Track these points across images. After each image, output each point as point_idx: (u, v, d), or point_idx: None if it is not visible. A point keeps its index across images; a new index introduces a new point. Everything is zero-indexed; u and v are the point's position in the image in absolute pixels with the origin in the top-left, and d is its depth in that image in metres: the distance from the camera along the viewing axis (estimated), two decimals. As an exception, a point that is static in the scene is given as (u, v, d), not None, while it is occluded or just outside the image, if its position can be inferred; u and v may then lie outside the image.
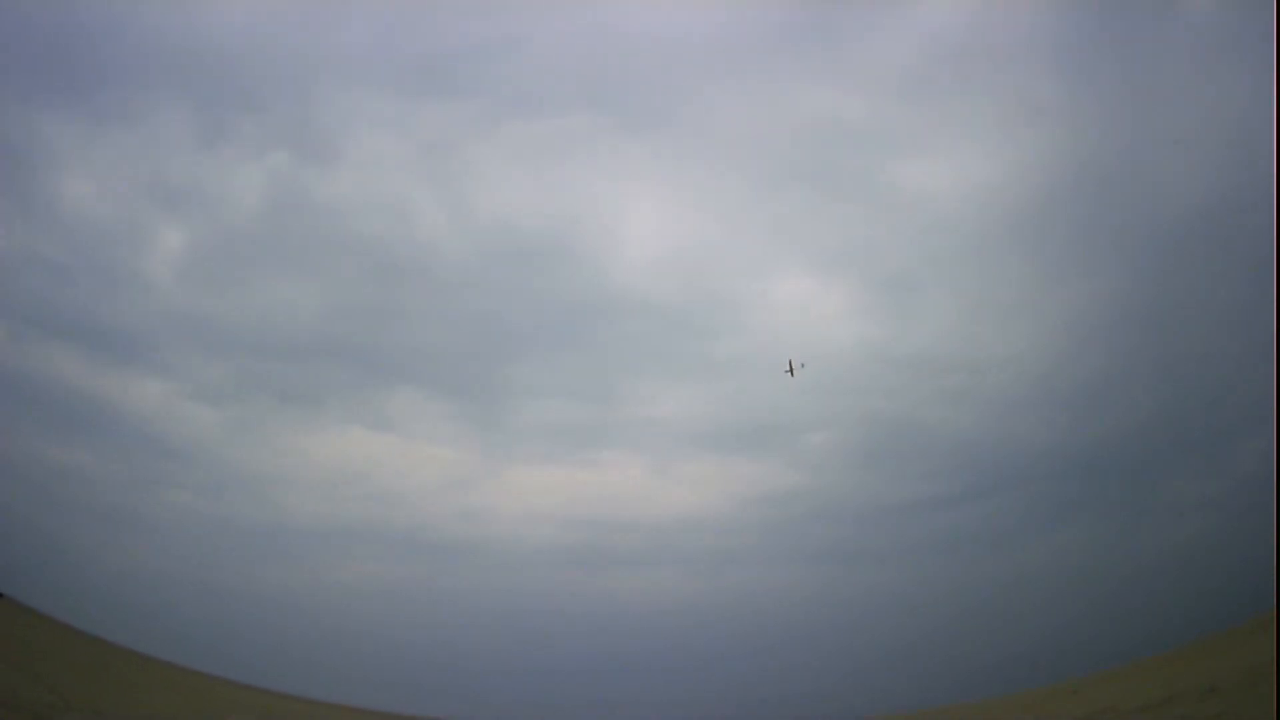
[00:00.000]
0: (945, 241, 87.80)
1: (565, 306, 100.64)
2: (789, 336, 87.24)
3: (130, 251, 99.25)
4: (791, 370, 62.44)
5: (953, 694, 52.13)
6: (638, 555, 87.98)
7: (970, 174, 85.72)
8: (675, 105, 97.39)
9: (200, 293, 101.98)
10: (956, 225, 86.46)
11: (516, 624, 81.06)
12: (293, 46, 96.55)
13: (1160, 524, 69.49)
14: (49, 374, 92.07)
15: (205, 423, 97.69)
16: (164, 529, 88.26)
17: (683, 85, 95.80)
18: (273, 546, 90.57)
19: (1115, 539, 70.25)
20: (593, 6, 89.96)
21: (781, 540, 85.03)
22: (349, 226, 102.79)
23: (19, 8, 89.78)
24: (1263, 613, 30.48)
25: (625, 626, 77.91)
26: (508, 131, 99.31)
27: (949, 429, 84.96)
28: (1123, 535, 70.40)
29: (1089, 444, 77.41)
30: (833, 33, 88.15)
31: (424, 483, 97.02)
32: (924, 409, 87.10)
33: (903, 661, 68.82)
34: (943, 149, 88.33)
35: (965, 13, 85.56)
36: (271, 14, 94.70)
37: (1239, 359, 66.72)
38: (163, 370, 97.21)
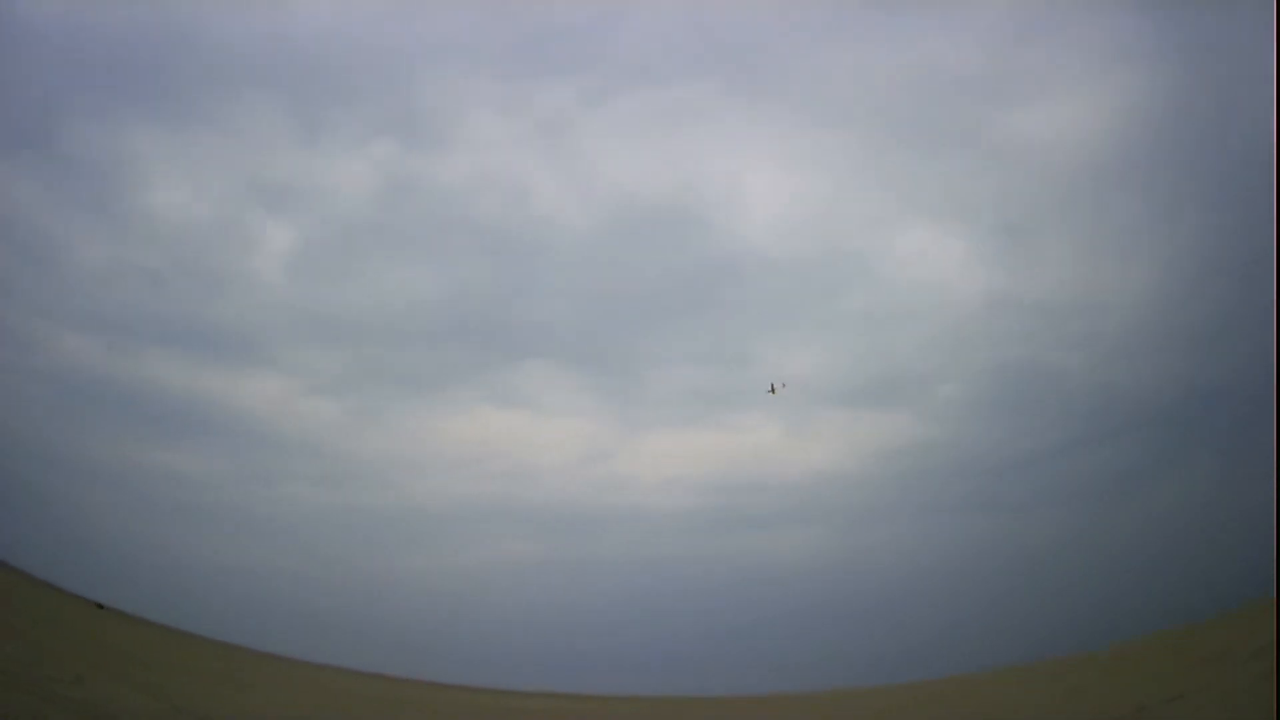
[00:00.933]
0: (1058, 187, 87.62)
1: (691, 271, 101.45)
2: (911, 288, 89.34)
3: (235, 253, 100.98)
4: (773, 390, 65.23)
5: (1087, 641, 49.66)
6: (776, 515, 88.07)
7: (1077, 118, 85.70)
8: (785, 65, 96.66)
9: (313, 286, 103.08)
10: (1068, 170, 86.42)
11: (659, 592, 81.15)
12: (386, 36, 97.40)
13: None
14: (154, 381, 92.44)
15: (325, 415, 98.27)
16: (284, 525, 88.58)
17: (791, 45, 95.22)
18: (403, 533, 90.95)
19: (1234, 484, 65.80)
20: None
21: (916, 494, 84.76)
22: (465, 208, 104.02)
23: (93, 19, 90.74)
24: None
25: (769, 588, 78.06)
26: (620, 104, 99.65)
27: (1074, 374, 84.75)
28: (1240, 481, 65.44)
29: (1212, 386, 74.73)
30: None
31: (559, 457, 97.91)
32: (1048, 355, 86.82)
33: (1040, 610, 67.78)
34: (1049, 95, 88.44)
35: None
36: (361, 6, 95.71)
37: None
38: (278, 367, 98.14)
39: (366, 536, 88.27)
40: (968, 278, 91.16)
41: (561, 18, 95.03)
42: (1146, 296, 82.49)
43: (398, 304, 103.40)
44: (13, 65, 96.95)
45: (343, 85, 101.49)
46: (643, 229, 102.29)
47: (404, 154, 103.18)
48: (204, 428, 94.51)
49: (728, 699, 58.65)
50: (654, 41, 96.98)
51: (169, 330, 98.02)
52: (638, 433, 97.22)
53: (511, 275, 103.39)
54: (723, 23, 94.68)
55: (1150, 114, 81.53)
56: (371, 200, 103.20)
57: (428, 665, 63.78)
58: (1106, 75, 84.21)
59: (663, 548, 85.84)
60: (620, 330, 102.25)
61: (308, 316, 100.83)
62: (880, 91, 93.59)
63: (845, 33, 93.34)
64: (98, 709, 23.63)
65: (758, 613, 74.75)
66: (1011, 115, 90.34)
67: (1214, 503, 67.83)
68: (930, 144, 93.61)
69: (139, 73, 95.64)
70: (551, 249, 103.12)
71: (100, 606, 64.72)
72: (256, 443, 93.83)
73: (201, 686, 36.76)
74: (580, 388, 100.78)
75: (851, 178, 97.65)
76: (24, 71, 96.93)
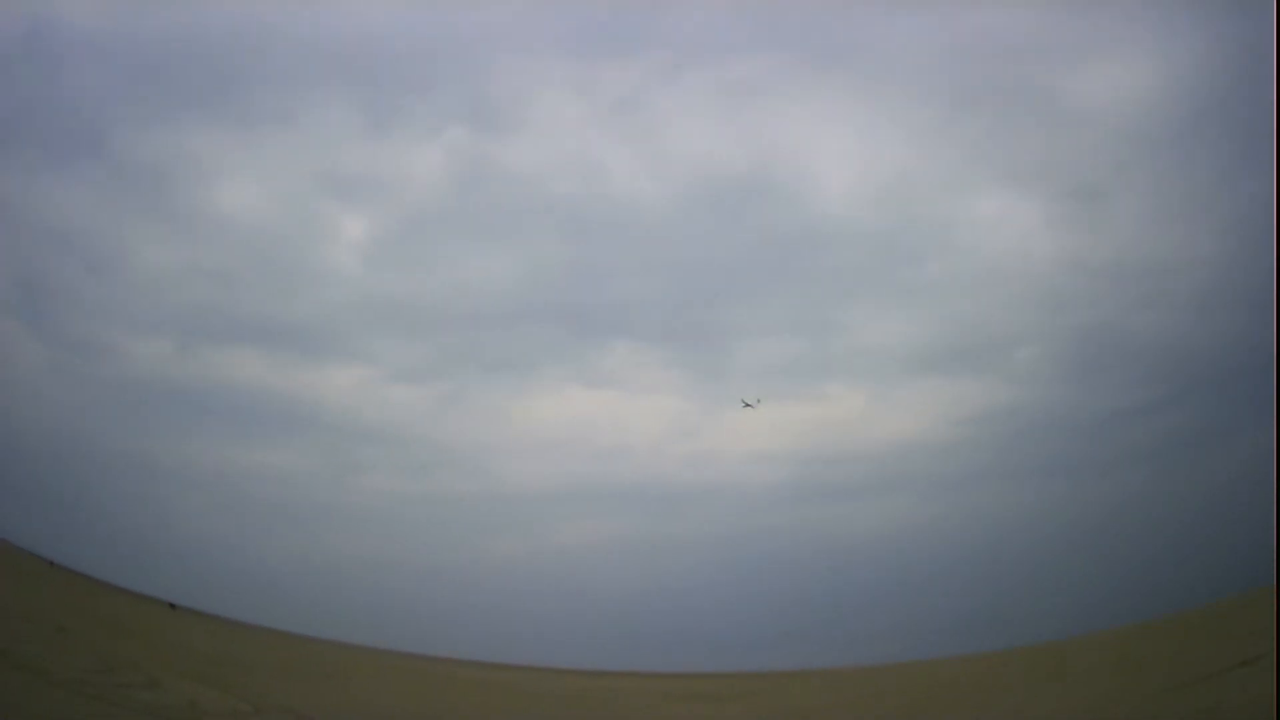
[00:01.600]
0: (1126, 147, 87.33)
1: (772, 243, 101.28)
2: (987, 254, 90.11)
3: (310, 247, 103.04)
4: (748, 404, 66.52)
5: (1177, 601, 47.02)
6: (861, 485, 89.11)
7: (1146, 80, 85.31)
8: (854, 34, 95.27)
9: (390, 275, 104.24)
10: (1135, 130, 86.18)
11: (748, 566, 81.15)
12: (454, 24, 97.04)
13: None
14: (233, 380, 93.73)
15: (410, 403, 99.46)
16: (371, 516, 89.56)
17: (860, 13, 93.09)
18: (493, 518, 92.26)
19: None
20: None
21: (999, 458, 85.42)
22: (541, 190, 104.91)
23: (143, 24, 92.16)
24: None
25: (855, 558, 78.54)
26: (690, 79, 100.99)
27: (1149, 334, 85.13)
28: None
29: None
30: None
31: (646, 434, 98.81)
32: (1123, 316, 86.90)
33: (1125, 572, 67.10)
34: (1117, 57, 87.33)
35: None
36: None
37: None
38: (359, 357, 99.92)
39: (456, 523, 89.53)
40: (1041, 241, 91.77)
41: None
42: (1216, 255, 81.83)
43: (478, 289, 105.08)
44: (64, 74, 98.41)
45: (412, 75, 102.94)
46: (720, 203, 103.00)
47: (477, 140, 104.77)
48: (287, 423, 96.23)
49: (817, 671, 56.47)
50: (721, 16, 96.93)
51: (246, 328, 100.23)
52: (724, 407, 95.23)
53: (591, 255, 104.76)
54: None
55: (1219, 73, 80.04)
56: (446, 187, 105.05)
57: (518, 649, 63.81)
58: (1176, 35, 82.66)
59: (751, 521, 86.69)
60: (703, 305, 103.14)
61: (387, 305, 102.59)
62: (949, 58, 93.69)
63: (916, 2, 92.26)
64: (175, 712, 22.05)
65: (844, 583, 75.36)
66: (1079, 78, 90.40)
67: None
68: (1000, 109, 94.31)
69: (196, 75, 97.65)
70: (630, 227, 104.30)
71: (173, 607, 64.09)
72: (341, 435, 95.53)
73: (286, 682, 35.28)
74: (666, 364, 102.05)
75: (924, 145, 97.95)
76: (75, 80, 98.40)
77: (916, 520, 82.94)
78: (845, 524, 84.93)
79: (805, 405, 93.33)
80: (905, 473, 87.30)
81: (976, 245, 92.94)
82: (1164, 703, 22.91)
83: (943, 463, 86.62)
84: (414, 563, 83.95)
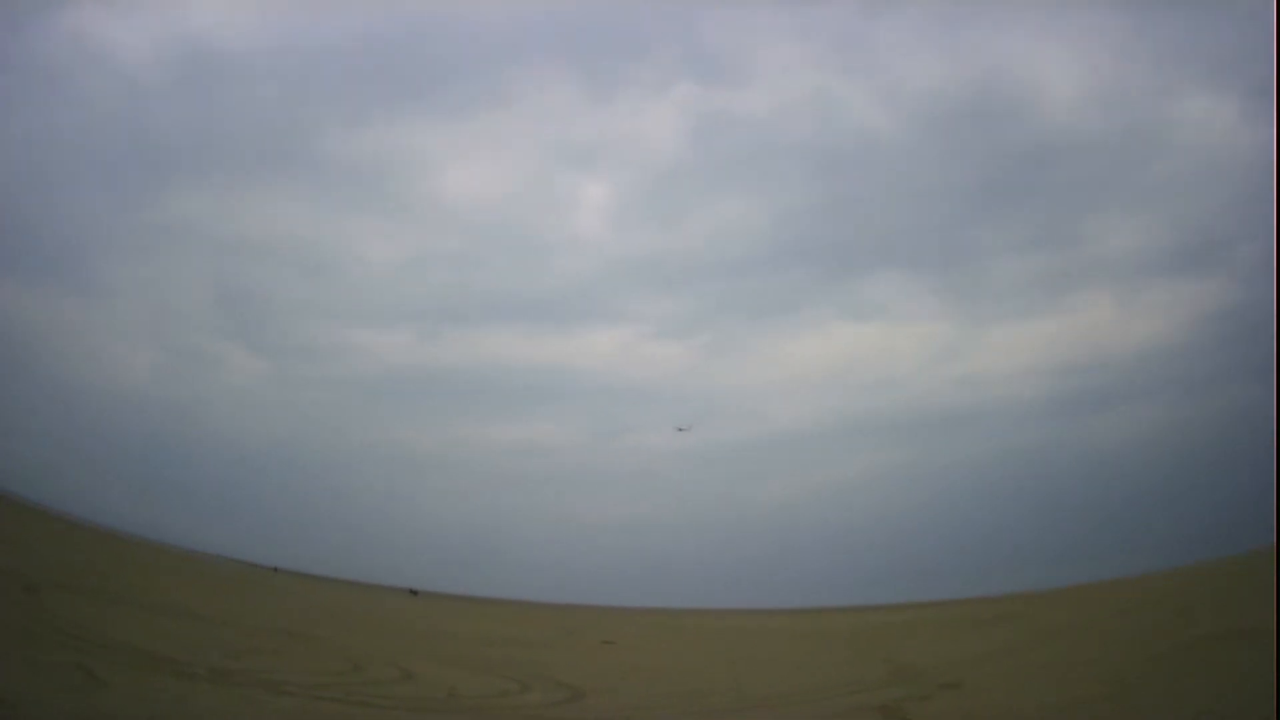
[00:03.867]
0: None
1: (1006, 161, 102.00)
2: (1200, 152, 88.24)
3: (553, 218, 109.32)
4: (682, 429, 68.62)
5: None
6: (1117, 393, 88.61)
7: None
8: None
9: (640, 235, 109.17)
10: None
11: (1017, 485, 79.99)
12: None
13: None
14: (481, 359, 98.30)
15: (673, 358, 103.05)
16: (640, 476, 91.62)
17: None
18: (763, 463, 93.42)
19: None
20: None
21: (1241, 357, 77.51)
22: (778, 133, 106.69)
23: (335, 34, 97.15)
24: None
25: (1118, 467, 77.05)
26: (907, 9, 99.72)
27: None
28: None
29: None
30: None
31: (913, 361, 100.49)
32: None
33: None
34: None
35: None
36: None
37: None
38: (617, 319, 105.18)
39: (727, 472, 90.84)
40: (1249, 134, 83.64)
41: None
42: None
43: (730, 237, 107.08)
44: (251, 91, 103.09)
45: (629, 39, 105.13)
46: (952, 126, 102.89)
47: (706, 93, 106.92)
48: (548, 394, 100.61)
49: (1083, 587, 50.97)
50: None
51: (494, 307, 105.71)
52: (982, 327, 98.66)
53: (837, 190, 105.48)
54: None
55: None
56: (683, 142, 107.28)
57: (792, 593, 62.96)
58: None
59: (1018, 439, 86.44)
60: (954, 226, 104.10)
61: (639, 265, 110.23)
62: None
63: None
64: (434, 703, 19.36)
65: (1107, 495, 73.09)
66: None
67: None
68: (1201, 7, 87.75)
69: (400, 73, 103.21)
70: (870, 159, 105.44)
71: (414, 593, 64.00)
72: (606, 398, 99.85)
73: (550, 654, 32.40)
74: (924, 290, 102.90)
75: (1129, 51, 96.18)
76: (264, 95, 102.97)
77: (1171, 425, 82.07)
78: (1103, 435, 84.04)
79: (1058, 318, 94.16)
80: (1156, 378, 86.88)
81: (1191, 145, 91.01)
82: None
83: (1190, 365, 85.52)
84: (684, 518, 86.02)
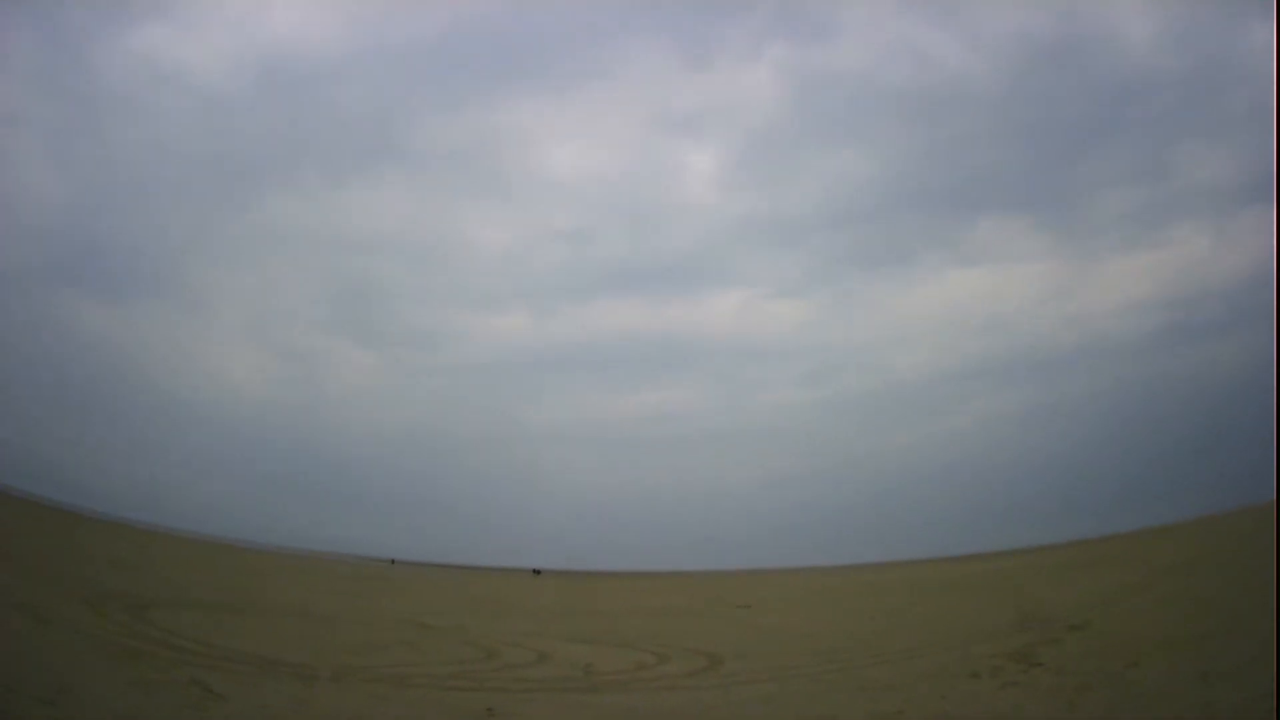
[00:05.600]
0: None
1: (1097, 96, 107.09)
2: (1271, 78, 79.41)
3: (662, 187, 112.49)
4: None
5: None
6: (1223, 323, 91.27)
7: None
8: None
9: (750, 197, 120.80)
10: None
11: (1133, 419, 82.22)
12: None
13: None
14: (601, 332, 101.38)
15: (795, 315, 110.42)
16: (769, 434, 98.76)
17: None
18: (890, 412, 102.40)
19: None
20: None
21: None
22: (876, 84, 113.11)
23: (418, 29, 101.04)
24: None
25: (1234, 396, 72.51)
26: None
27: None
28: None
29: None
30: None
31: (1023, 303, 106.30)
32: None
33: None
34: None
35: None
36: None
37: None
38: (735, 281, 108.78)
39: (853, 424, 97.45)
40: None
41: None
42: None
43: (838, 191, 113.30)
44: (350, 85, 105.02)
45: (714, 7, 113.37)
46: (1041, 67, 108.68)
47: (800, 52, 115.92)
48: (671, 360, 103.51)
49: (1190, 523, 48.70)
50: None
51: (610, 279, 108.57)
52: (1087, 264, 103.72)
53: (938, 136, 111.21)
54: None
55: None
56: (783, 101, 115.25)
57: (926, 542, 63.82)
58: None
59: (1127, 374, 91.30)
60: (1048, 166, 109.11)
61: (753, 226, 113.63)
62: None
63: None
64: (570, 682, 18.70)
65: (1221, 425, 70.82)
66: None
67: None
68: None
69: (494, 58, 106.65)
70: (967, 103, 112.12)
71: (537, 573, 64.08)
72: (731, 359, 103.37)
73: (688, 623, 32.25)
74: (1028, 230, 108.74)
75: None
76: (363, 88, 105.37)
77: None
78: (1210, 367, 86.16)
79: (1157, 251, 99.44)
80: (1261, 306, 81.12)
81: (1264, 71, 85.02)
82: None
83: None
84: (815, 474, 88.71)
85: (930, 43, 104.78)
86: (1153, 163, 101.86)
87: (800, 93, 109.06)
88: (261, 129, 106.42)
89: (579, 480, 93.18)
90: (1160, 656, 14.56)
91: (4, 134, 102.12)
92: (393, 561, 67.20)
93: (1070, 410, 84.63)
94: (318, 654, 19.90)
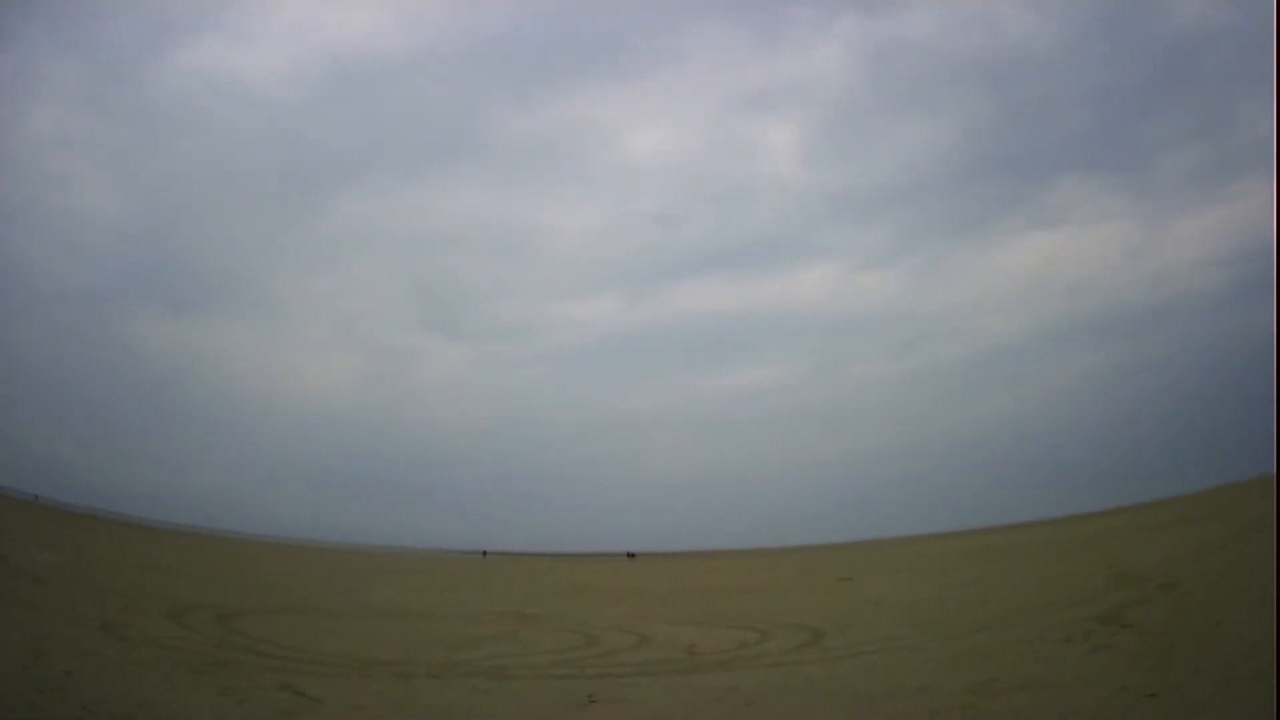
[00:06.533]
0: None
1: (1160, 53, 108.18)
2: None
3: (743, 165, 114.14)
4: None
5: None
6: None
7: None
8: None
9: (832, 170, 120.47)
10: None
11: (1213, 375, 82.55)
12: None
13: None
14: (692, 312, 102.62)
15: (883, 286, 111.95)
16: (860, 405, 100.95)
17: None
18: (980, 378, 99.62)
19: None
20: None
21: None
22: (944, 54, 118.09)
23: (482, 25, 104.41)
24: None
25: None
26: None
27: None
28: None
29: None
30: None
31: (1101, 262, 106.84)
32: None
33: None
34: None
35: None
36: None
37: None
38: (822, 255, 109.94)
39: (943, 392, 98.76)
40: None
41: None
42: None
43: (919, 160, 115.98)
44: (420, 83, 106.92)
45: None
46: (1101, 26, 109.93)
47: (869, 23, 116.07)
48: (762, 336, 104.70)
49: None
50: None
51: (698, 258, 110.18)
52: (1161, 222, 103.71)
53: (1011, 101, 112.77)
54: None
55: None
56: (856, 73, 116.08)
57: (1019, 507, 65.98)
58: None
59: (1206, 329, 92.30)
60: (1119, 125, 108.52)
61: (836, 199, 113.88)
62: None
63: None
64: (672, 664, 18.35)
65: None
66: None
67: None
68: None
69: (575, 45, 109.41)
70: (1034, 67, 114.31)
71: (631, 556, 63.81)
72: (821, 333, 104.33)
73: (789, 600, 32.04)
74: (1106, 191, 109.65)
75: None
76: (434, 86, 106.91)
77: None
78: None
79: (1227, 205, 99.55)
80: None
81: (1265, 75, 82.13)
82: None
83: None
84: (909, 443, 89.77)
85: (995, 9, 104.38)
86: (1217, 117, 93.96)
87: (872, 65, 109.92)
88: (330, 133, 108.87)
89: (672, 462, 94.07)
90: (1247, 614, 14.02)
91: (61, 159, 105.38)
92: (484, 554, 67.37)
93: (1153, 368, 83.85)
94: (414, 651, 19.69)
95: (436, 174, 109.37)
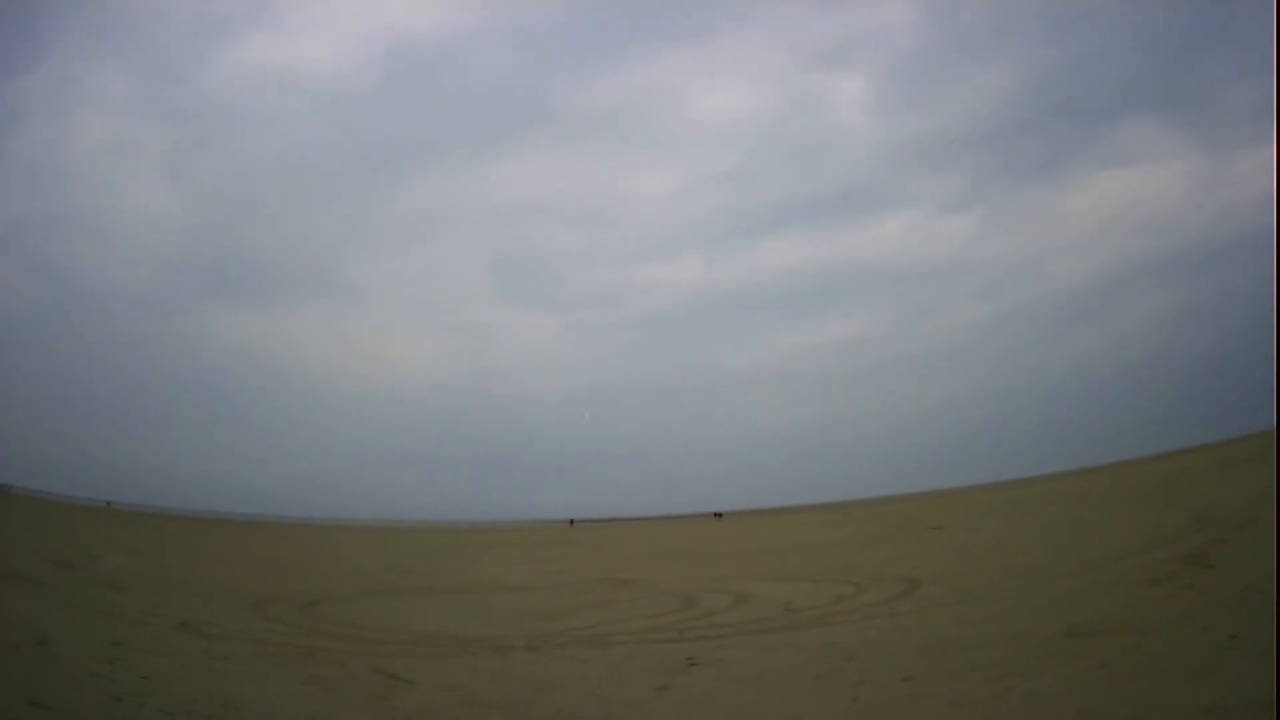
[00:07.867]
0: None
1: None
2: None
3: (815, 119, 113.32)
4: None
5: None
6: None
7: None
8: None
9: (904, 119, 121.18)
10: None
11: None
12: None
13: None
14: (772, 269, 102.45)
15: (961, 231, 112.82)
16: (949, 353, 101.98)
17: None
18: (1058, 321, 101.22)
19: None
20: None
21: None
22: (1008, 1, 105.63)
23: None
24: None
25: None
26: None
27: None
28: None
29: None
30: None
31: (1170, 200, 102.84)
32: None
33: None
34: None
35: None
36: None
37: None
38: (899, 203, 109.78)
39: (1024, 335, 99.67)
40: None
41: None
42: None
43: (989, 104, 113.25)
44: (482, 60, 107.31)
45: None
46: None
47: None
48: (843, 289, 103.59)
49: None
50: None
51: (777, 214, 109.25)
52: (1225, 158, 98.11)
53: (1076, 44, 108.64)
54: None
55: None
56: (922, 20, 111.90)
57: (1103, 448, 61.34)
58: None
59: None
60: (1180, 62, 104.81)
61: (910, 146, 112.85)
62: None
63: None
64: (770, 623, 18.33)
65: None
66: None
67: None
68: None
69: (640, 9, 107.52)
70: (1096, 11, 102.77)
71: (718, 516, 63.40)
72: (903, 282, 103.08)
73: (881, 551, 31.30)
74: (1170, 128, 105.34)
75: None
76: (498, 61, 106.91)
77: None
78: None
79: None
80: None
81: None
82: None
83: None
84: (995, 388, 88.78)
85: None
86: (1268, 55, 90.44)
87: (935, 12, 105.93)
88: (397, 115, 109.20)
89: (759, 418, 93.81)
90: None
91: (116, 165, 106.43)
92: (572, 522, 67.40)
93: (1225, 305, 79.76)
94: (510, 625, 19.56)
95: (507, 149, 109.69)
